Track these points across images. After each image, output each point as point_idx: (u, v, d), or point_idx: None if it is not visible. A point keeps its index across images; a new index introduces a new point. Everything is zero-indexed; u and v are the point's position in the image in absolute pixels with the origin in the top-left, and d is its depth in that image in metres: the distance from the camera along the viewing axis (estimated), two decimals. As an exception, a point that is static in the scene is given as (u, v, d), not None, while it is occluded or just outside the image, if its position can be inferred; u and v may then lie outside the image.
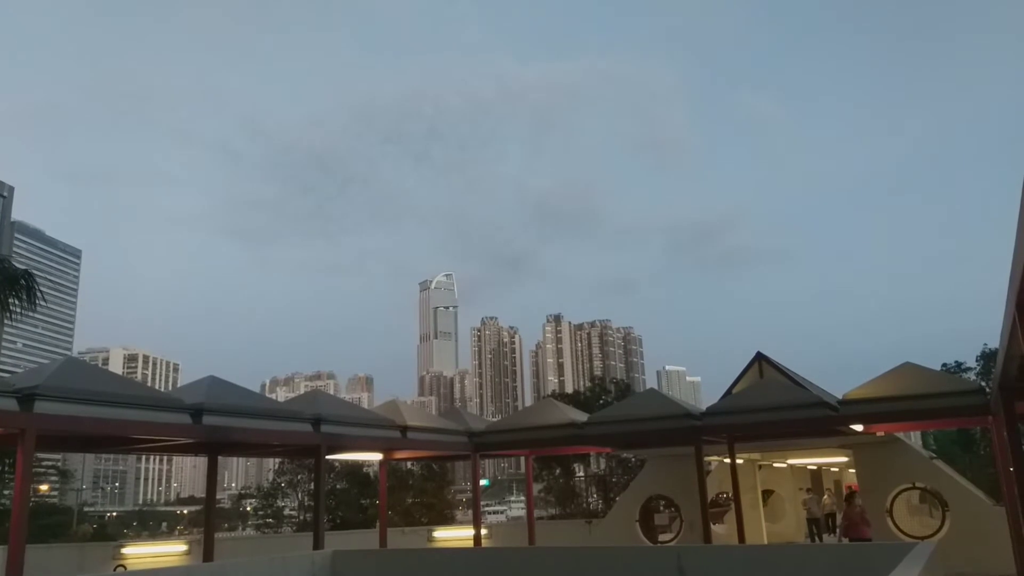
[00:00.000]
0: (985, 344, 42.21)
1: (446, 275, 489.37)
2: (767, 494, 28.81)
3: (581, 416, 21.52)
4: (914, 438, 29.14)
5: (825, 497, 29.64)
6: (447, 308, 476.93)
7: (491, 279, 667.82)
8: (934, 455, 26.75)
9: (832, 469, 36.79)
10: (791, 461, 30.16)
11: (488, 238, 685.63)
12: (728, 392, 22.13)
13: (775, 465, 29.66)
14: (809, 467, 33.97)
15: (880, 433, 19.79)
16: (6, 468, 24.91)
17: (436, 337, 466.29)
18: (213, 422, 13.76)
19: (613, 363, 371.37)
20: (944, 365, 40.79)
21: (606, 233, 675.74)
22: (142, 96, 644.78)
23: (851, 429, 17.97)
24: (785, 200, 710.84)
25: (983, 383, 30.77)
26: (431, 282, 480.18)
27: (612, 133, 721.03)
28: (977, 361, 42.14)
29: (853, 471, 24.54)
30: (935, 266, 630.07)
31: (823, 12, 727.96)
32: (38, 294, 17.15)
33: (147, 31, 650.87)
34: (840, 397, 17.87)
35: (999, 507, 19.56)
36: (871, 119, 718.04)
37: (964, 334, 59.54)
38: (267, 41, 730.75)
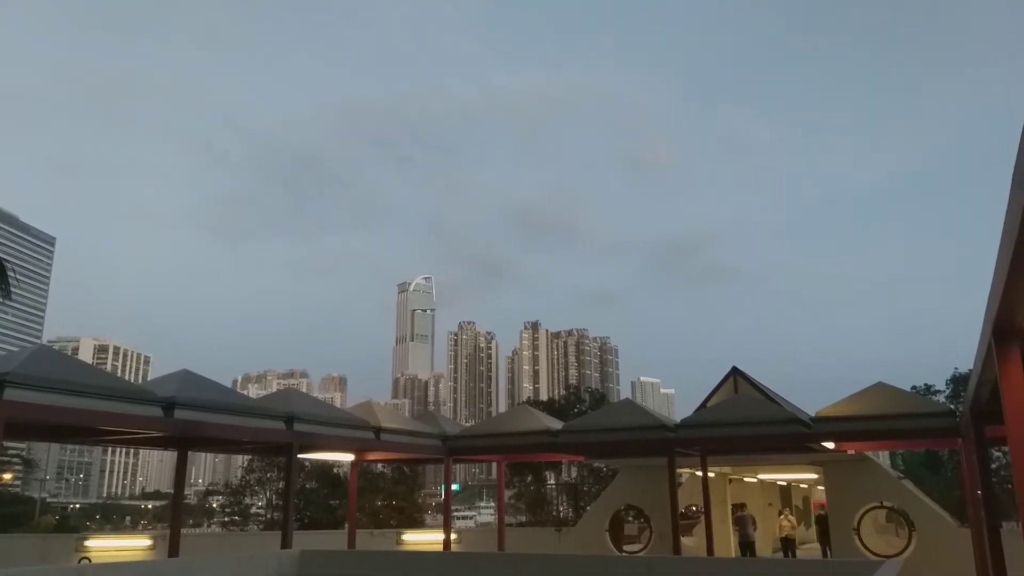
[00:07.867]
0: (956, 368, 42.73)
1: (425, 278, 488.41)
2: (736, 508, 28.96)
3: (556, 424, 21.52)
4: (882, 457, 29.30)
5: (782, 517, 27.25)
6: (425, 311, 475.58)
7: (470, 284, 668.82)
8: (902, 475, 27.03)
9: (802, 485, 37.09)
10: (761, 476, 30.36)
11: (468, 243, 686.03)
12: (703, 405, 22.29)
13: (745, 479, 29.85)
14: (779, 483, 34.22)
15: (850, 451, 20.01)
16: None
17: (412, 340, 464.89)
18: (185, 416, 13.60)
19: (588, 372, 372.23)
20: (914, 387, 41.14)
21: (586, 243, 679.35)
22: (126, 89, 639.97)
23: (822, 446, 18.14)
24: (764, 218, 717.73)
25: (952, 406, 31.18)
26: (409, 284, 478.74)
27: (596, 146, 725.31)
28: (947, 384, 42.55)
29: (822, 488, 24.75)
30: (908, 288, 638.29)
31: (808, 32, 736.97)
32: (10, 281, 16.79)
33: (134, 25, 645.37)
34: (813, 414, 18.03)
35: (964, 528, 19.83)
36: (850, 140, 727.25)
37: (934, 357, 59.97)
38: (253, 40, 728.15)
